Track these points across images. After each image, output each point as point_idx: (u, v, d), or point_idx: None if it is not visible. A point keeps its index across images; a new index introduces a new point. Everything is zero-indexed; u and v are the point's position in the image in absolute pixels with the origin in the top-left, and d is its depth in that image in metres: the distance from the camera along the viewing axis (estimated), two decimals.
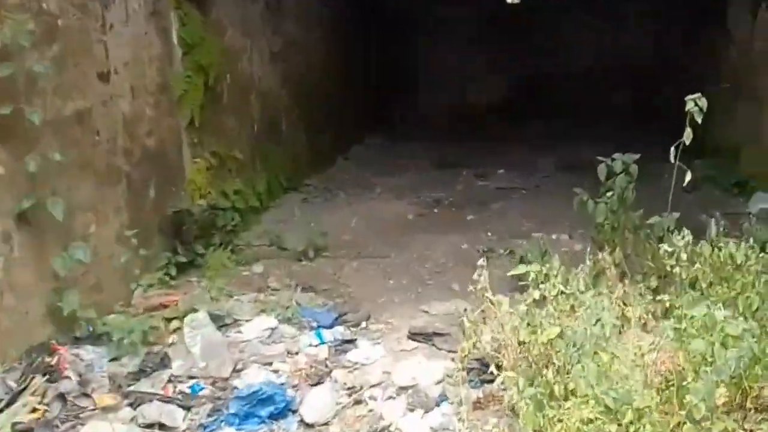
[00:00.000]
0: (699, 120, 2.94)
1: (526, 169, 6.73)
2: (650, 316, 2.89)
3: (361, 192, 5.90)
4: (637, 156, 3.75)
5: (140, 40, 3.78)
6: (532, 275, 2.46)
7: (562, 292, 2.35)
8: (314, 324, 3.29)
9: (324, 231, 4.47)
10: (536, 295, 2.37)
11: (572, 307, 2.36)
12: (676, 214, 3.46)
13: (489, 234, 4.67)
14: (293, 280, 3.90)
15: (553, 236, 4.54)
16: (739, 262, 2.48)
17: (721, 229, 3.26)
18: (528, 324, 2.30)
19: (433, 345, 3.13)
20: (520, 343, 2.22)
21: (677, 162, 3.13)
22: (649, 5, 9.44)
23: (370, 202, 5.57)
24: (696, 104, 2.91)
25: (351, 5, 8.47)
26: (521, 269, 2.55)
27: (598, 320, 2.19)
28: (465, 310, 2.75)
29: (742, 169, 5.68)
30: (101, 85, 3.45)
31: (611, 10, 9.55)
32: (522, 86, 9.98)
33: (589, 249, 3.74)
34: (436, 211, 5.28)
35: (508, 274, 3.01)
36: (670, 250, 2.68)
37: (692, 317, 1.91)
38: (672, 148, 3.09)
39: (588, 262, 3.21)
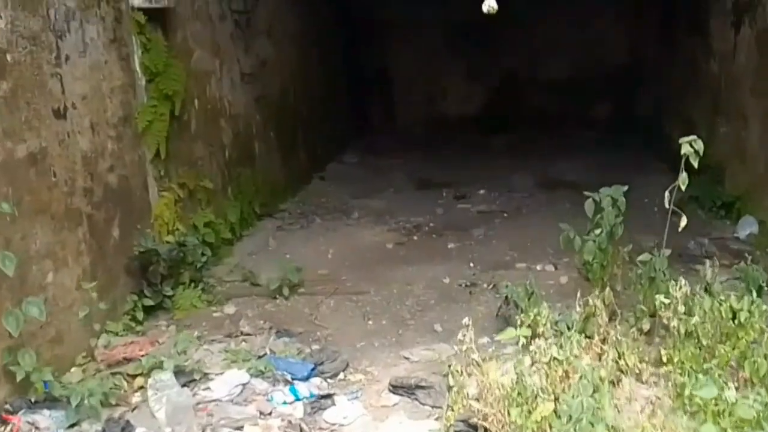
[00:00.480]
0: (695, 164, 2.79)
1: (506, 187, 6.59)
2: (645, 365, 2.76)
3: (338, 217, 5.70)
4: (625, 188, 3.61)
5: (99, 70, 3.55)
6: (522, 340, 2.30)
7: (555, 358, 2.19)
8: (288, 377, 3.08)
9: (299, 265, 4.26)
10: (527, 362, 2.20)
11: (566, 372, 2.20)
12: (668, 252, 3.33)
13: (471, 264, 4.50)
14: (267, 323, 3.70)
15: (538, 267, 4.39)
16: (742, 319, 2.34)
17: (716, 267, 3.13)
18: (519, 394, 2.13)
19: (416, 399, 2.95)
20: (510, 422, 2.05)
21: (671, 204, 2.96)
22: (629, 13, 9.40)
23: (348, 228, 5.37)
24: (691, 146, 2.75)
25: (325, 18, 8.27)
26: (510, 333, 2.38)
27: (594, 392, 2.03)
28: (449, 366, 2.56)
29: (727, 189, 5.59)
30: (57, 123, 3.22)
31: (589, 18, 9.47)
32: (498, 96, 9.86)
33: (576, 285, 3.61)
34: (415, 238, 5.10)
35: (496, 338, 2.84)
36: (666, 301, 2.54)
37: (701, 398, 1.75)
38: (666, 193, 2.94)
39: (577, 305, 3.07)
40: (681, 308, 2.51)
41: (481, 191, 6.43)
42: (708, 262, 3.07)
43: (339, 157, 8.60)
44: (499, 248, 4.80)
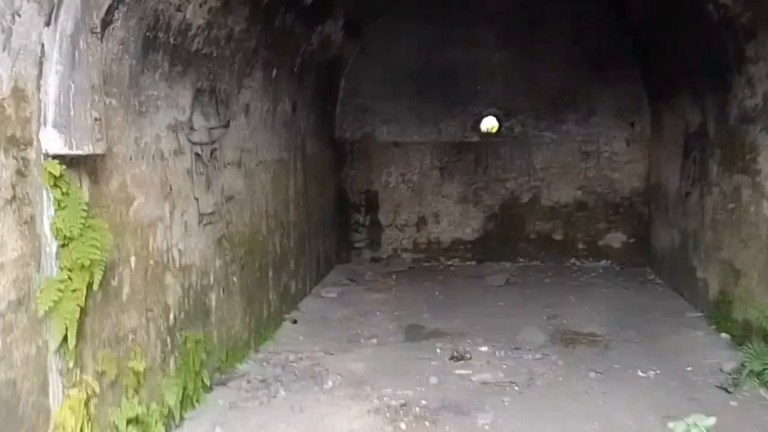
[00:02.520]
0: None
1: (512, 342, 5.63)
2: None
3: (308, 386, 4.66)
4: (711, 421, 2.67)
5: None
6: None
7: None
8: None
9: None
10: None
11: None
12: None
13: None
14: None
15: None
16: None
17: None
18: None
19: None
20: None
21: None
22: (646, 135, 8.84)
23: (318, 407, 4.31)
24: None
25: (307, 139, 7.59)
26: None
27: None
28: None
29: None
30: None
31: (598, 138, 8.90)
32: (496, 220, 9.09)
33: None
34: (403, 426, 4.05)
35: None
36: None
37: None
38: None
39: None
40: None
41: (483, 348, 5.44)
42: None
43: (317, 290, 7.67)
44: None
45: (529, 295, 7.50)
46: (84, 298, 3.09)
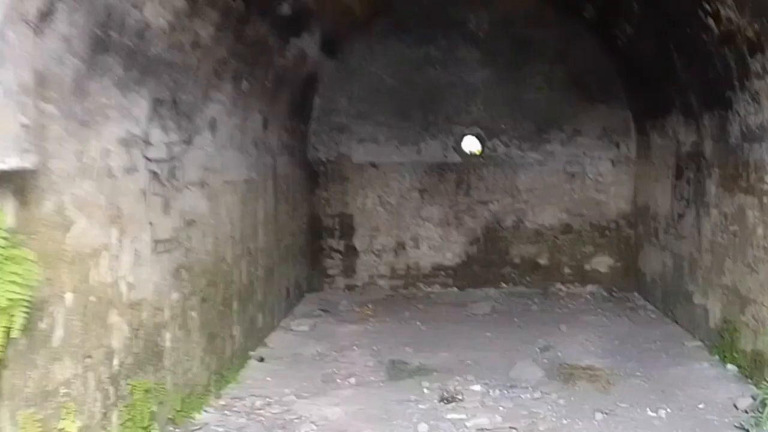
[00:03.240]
0: None
1: (506, 378, 5.13)
2: None
3: None
4: None
5: None
6: None
7: None
8: None
9: None
10: None
11: None
12: None
13: None
14: None
15: None
16: None
17: None
18: None
19: None
20: None
21: None
22: (633, 153, 8.51)
23: None
24: None
25: (280, 158, 7.06)
26: None
27: None
28: None
29: None
30: None
31: (584, 159, 8.55)
32: (479, 244, 8.64)
33: None
34: None
35: None
36: None
37: None
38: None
39: None
40: None
41: (475, 386, 4.91)
42: None
43: (287, 322, 7.09)
44: None
45: (518, 325, 7.03)
46: (0, 348, 2.50)
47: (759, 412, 4.22)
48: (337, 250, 8.63)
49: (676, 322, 6.93)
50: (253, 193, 6.26)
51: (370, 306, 7.84)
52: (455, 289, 8.64)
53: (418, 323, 7.16)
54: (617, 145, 8.49)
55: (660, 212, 7.57)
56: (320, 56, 7.66)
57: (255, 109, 6.16)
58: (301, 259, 8.11)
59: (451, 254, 8.66)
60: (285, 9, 5.93)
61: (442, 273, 8.66)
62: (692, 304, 6.48)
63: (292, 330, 6.91)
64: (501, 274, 8.64)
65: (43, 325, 2.88)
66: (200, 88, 4.87)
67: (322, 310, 7.72)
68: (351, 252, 8.63)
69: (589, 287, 8.60)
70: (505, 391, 4.83)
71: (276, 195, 6.98)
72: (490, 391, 4.85)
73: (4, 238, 2.50)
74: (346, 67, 8.40)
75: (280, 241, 7.18)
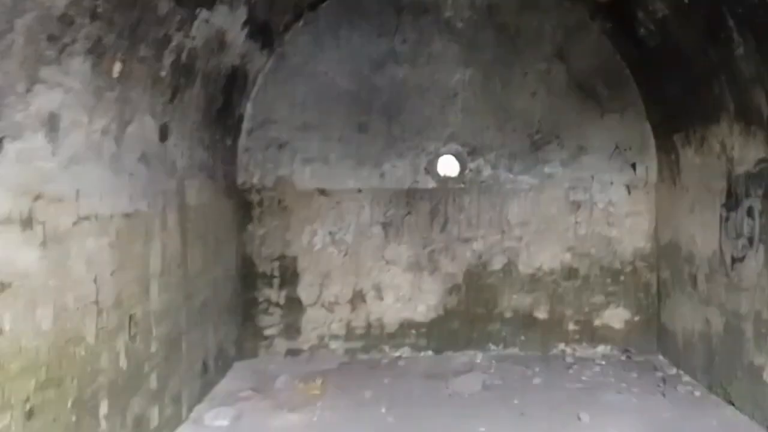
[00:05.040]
0: None
1: None
2: None
3: None
4: None
5: None
6: None
7: None
8: None
9: None
10: None
11: None
12: None
13: None
14: None
15: None
16: None
17: None
18: None
19: None
20: None
21: None
22: (651, 181, 6.76)
23: None
24: None
25: (204, 192, 5.04)
26: None
27: None
28: None
29: None
30: None
31: (591, 186, 6.77)
32: (459, 293, 6.72)
33: None
34: None
35: None
36: None
37: None
38: None
39: None
40: None
41: None
42: None
43: (201, 411, 5.01)
44: None
45: (520, 411, 5.09)
46: None
47: None
48: (276, 304, 6.58)
49: (732, 404, 5.12)
50: (142, 233, 4.22)
51: (318, 381, 5.79)
52: (430, 352, 6.68)
53: (382, 410, 5.15)
54: (633, 166, 6.74)
55: (698, 253, 5.79)
56: (249, 46, 5.71)
57: (143, 109, 4.15)
58: (226, 317, 6.04)
59: (424, 307, 6.70)
60: None
61: (413, 331, 6.69)
62: (761, 383, 4.68)
63: (205, 425, 4.82)
64: (488, 333, 6.72)
65: None
66: (16, 59, 2.87)
67: (253, 389, 5.63)
68: (294, 306, 6.59)
69: (601, 348, 6.76)
70: None
71: (184, 233, 4.94)
72: None
73: None
74: (286, 65, 6.47)
75: (192, 298, 5.12)
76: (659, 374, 6.08)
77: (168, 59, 4.31)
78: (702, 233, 5.71)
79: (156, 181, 4.41)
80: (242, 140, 6.42)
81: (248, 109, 6.39)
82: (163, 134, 4.51)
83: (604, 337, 6.78)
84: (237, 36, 5.32)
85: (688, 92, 5.71)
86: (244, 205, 6.46)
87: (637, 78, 6.57)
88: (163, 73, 4.30)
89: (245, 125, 6.41)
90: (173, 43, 4.31)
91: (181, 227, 4.86)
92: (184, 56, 4.52)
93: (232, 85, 5.76)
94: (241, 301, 6.46)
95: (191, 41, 4.56)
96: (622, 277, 6.79)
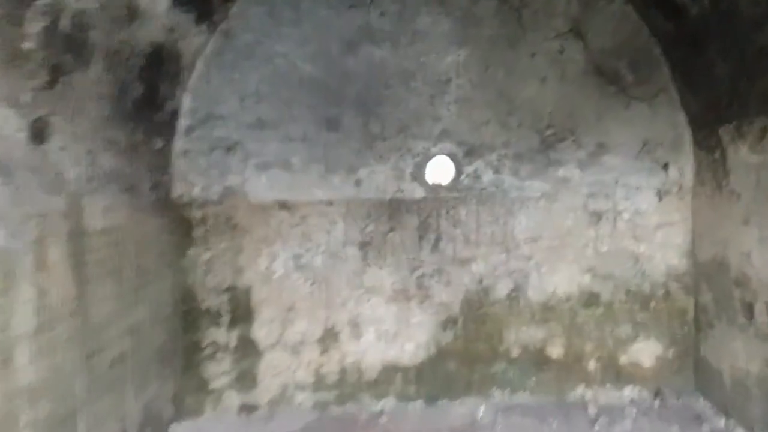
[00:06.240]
0: None
1: None
2: None
3: None
4: None
5: None
6: None
7: None
8: None
9: None
10: None
11: None
12: None
13: None
14: None
15: None
16: None
17: None
18: None
19: None
20: None
21: None
22: (686, 182, 5.52)
23: None
24: None
25: (123, 192, 3.69)
26: None
27: None
28: None
29: None
30: None
31: (612, 197, 5.51)
32: (455, 327, 5.43)
33: None
34: None
35: None
36: None
37: None
38: None
39: None
40: None
41: None
42: None
43: None
44: None
45: None
46: None
47: None
48: (225, 347, 5.23)
49: None
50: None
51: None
52: (421, 402, 5.38)
53: None
54: (665, 167, 5.49)
55: (756, 275, 4.54)
56: (178, 17, 4.37)
57: None
58: (157, 370, 4.69)
59: (412, 346, 5.40)
60: None
61: (399, 377, 5.38)
62: None
63: None
64: (492, 375, 5.43)
65: None
66: None
67: None
68: (249, 349, 5.25)
69: (628, 391, 5.50)
70: None
71: (79, 270, 3.59)
72: None
73: None
74: (233, 45, 5.14)
75: (98, 355, 3.77)
76: (707, 428, 4.83)
77: (35, 24, 2.97)
78: (762, 251, 4.46)
79: (24, 201, 3.07)
80: (178, 142, 5.07)
81: (185, 102, 5.05)
82: (38, 134, 3.16)
83: (631, 376, 5.52)
84: (155, 2, 3.98)
85: (742, 73, 4.46)
86: (182, 225, 5.11)
87: (671, 57, 5.32)
88: (27, 45, 2.96)
89: (182, 123, 5.06)
90: (42, 1, 2.96)
91: (74, 262, 3.51)
92: (65, 23, 3.18)
93: (157, 70, 4.42)
94: (180, 346, 5.11)
95: (75, 1, 3.21)
96: (652, 303, 5.53)
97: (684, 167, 5.48)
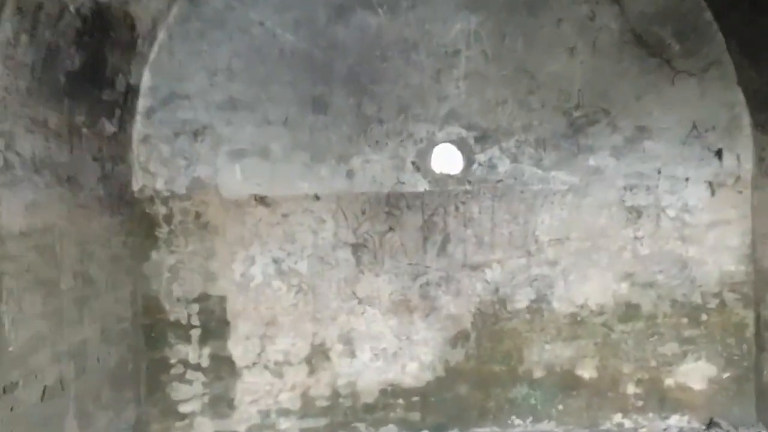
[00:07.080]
0: None
1: None
2: None
3: None
4: None
5: None
6: None
7: None
8: None
9: None
10: None
11: None
12: None
13: None
14: None
15: None
16: None
17: None
18: None
19: None
20: None
21: None
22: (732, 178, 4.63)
23: None
24: None
25: (61, 187, 2.95)
26: None
27: None
28: None
29: None
30: None
31: (651, 181, 4.64)
32: (467, 342, 4.61)
33: None
34: None
35: None
36: None
37: None
38: None
39: None
40: None
41: None
42: None
43: None
44: None
45: None
46: None
47: None
48: (196, 366, 4.47)
49: None
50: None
51: None
52: (427, 429, 4.57)
53: None
54: (718, 155, 4.60)
55: None
56: None
57: None
58: (113, 394, 3.94)
59: (415, 365, 4.59)
60: None
61: (401, 402, 4.58)
62: None
63: None
64: (511, 401, 4.61)
65: None
66: None
67: None
68: (224, 368, 4.49)
69: (675, 420, 4.64)
70: None
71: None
72: None
73: None
74: (201, 12, 4.37)
75: (18, 389, 3.02)
76: None
77: None
78: None
79: None
80: (138, 125, 4.32)
81: (145, 78, 4.29)
82: None
83: (678, 403, 4.66)
84: None
85: None
86: (142, 224, 4.36)
87: (725, 23, 4.43)
88: None
89: (141, 103, 4.31)
90: None
91: None
92: None
93: (102, 37, 3.66)
94: (144, 365, 4.37)
95: None
96: (704, 316, 4.65)
97: (742, 155, 4.59)
